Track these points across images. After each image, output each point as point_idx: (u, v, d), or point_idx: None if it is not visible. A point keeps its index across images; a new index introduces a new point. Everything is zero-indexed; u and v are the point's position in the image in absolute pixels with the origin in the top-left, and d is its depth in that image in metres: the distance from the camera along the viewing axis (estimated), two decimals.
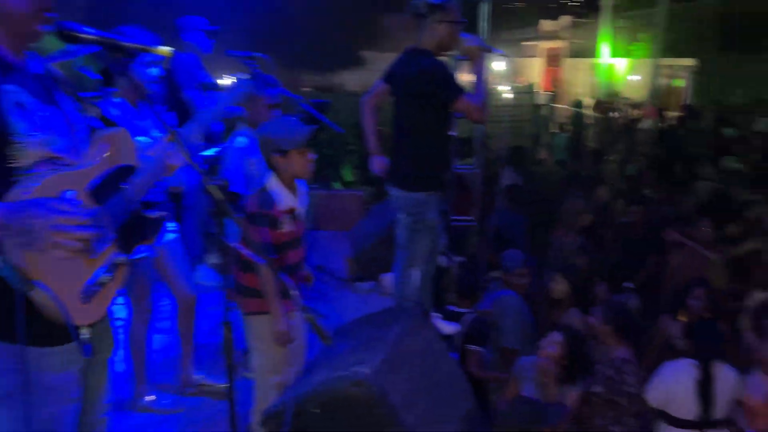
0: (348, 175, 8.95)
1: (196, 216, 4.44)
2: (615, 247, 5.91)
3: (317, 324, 2.01)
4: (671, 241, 5.26)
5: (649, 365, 3.58)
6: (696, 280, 4.36)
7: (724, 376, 3.22)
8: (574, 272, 4.51)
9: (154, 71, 3.02)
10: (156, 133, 2.98)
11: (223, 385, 3.51)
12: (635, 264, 5.39)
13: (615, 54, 16.11)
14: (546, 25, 20.70)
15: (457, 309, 4.19)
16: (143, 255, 2.94)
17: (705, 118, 11.86)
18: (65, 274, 1.67)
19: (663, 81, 15.92)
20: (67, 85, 1.91)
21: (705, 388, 3.17)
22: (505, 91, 13.03)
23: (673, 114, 13.21)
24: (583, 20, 18.98)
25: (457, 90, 3.29)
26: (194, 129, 2.25)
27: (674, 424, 3.24)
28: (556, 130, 12.20)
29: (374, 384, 2.38)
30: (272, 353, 2.85)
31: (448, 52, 3.67)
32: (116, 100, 3.03)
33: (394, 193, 3.52)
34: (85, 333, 1.74)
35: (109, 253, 1.80)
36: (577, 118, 13.17)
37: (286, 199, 2.81)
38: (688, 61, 16.00)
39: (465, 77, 3.59)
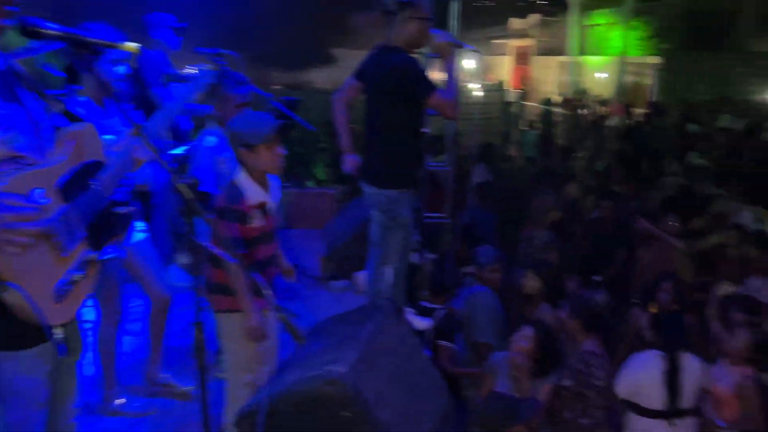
0: (320, 173, 8.91)
1: (166, 215, 4.38)
2: (585, 242, 5.99)
3: (291, 323, 2.00)
4: (641, 230, 5.34)
5: (621, 358, 3.63)
6: (664, 273, 4.45)
7: (690, 366, 3.30)
8: (545, 268, 4.56)
9: (120, 69, 2.96)
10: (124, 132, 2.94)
11: (187, 387, 3.47)
12: (605, 258, 5.48)
13: (582, 52, 16.34)
14: (515, 23, 20.88)
15: (430, 305, 4.21)
16: (112, 255, 2.89)
17: (670, 115, 12.10)
18: (37, 274, 1.64)
19: (629, 78, 16.18)
20: (30, 82, 1.86)
21: (672, 379, 3.25)
22: (476, 89, 13.11)
23: (639, 111, 13.45)
24: (552, 18, 19.20)
25: (429, 86, 3.29)
26: (159, 122, 2.22)
27: (643, 414, 3.30)
28: (526, 128, 12.32)
29: (348, 382, 2.37)
30: (244, 351, 2.83)
31: (419, 49, 3.68)
32: (81, 98, 2.97)
33: (368, 190, 3.51)
34: (59, 333, 1.71)
35: (80, 251, 1.77)
36: (547, 116, 13.33)
37: (255, 193, 2.78)
38: (654, 59, 16.30)
39: (436, 75, 3.60)
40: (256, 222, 2.77)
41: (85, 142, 1.88)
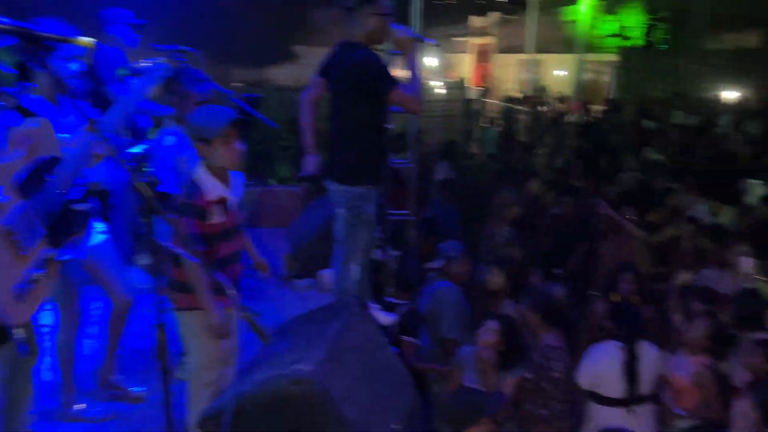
0: (283, 171, 8.84)
1: (125, 215, 4.29)
2: (547, 237, 6.08)
3: (255, 322, 1.99)
4: (603, 217, 5.45)
5: (582, 349, 3.70)
6: (625, 264, 4.56)
7: (648, 355, 3.40)
8: (509, 263, 4.61)
9: (74, 66, 2.88)
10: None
11: (139, 391, 3.40)
12: (567, 253, 5.57)
13: (541, 50, 16.56)
14: (475, 21, 21.05)
15: (394, 300, 4.22)
16: (71, 255, 2.83)
17: (627, 112, 12.37)
18: None
19: (588, 76, 16.48)
20: None
21: (630, 367, 3.33)
22: (437, 87, 13.16)
23: (597, 108, 13.70)
24: (511, 17, 19.40)
25: (391, 81, 3.30)
26: (115, 116, 2.17)
27: (603, 403, 3.38)
28: (487, 125, 12.43)
29: (315, 381, 2.36)
30: (206, 350, 2.79)
31: (381, 45, 3.68)
32: (34, 96, 2.88)
33: (333, 188, 3.50)
34: (20, 333, 1.66)
35: (40, 249, 1.72)
36: (507, 113, 13.47)
37: (214, 188, 2.74)
38: (611, 57, 16.64)
39: (399, 72, 3.60)
40: (216, 218, 2.73)
41: (41, 138, 1.83)
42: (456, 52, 21.21)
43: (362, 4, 3.35)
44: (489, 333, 3.44)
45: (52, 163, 1.83)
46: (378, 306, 4.04)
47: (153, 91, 2.84)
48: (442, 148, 8.74)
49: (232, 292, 2.83)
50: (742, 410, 3.05)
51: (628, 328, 3.46)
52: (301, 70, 14.02)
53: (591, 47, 15.18)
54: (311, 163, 3.57)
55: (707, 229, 5.35)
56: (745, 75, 14.05)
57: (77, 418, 3.24)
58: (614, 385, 3.36)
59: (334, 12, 3.65)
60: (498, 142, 11.18)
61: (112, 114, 2.17)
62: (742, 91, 13.96)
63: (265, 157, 8.46)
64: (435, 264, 4.41)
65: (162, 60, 2.69)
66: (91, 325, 3.74)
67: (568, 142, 10.37)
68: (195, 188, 2.70)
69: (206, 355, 2.81)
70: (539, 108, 13.69)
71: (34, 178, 1.74)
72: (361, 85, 3.31)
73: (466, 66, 20.98)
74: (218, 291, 2.74)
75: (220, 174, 2.78)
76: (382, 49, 4.39)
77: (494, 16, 20.51)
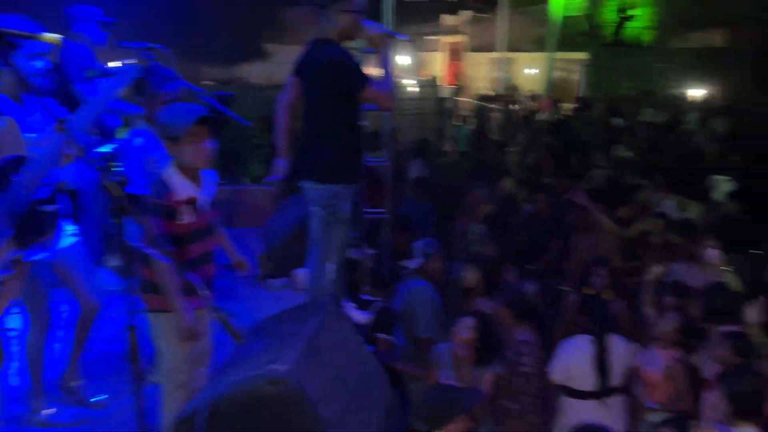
0: (257, 169, 8.76)
1: (95, 216, 4.21)
2: (521, 234, 6.13)
3: (229, 323, 1.97)
4: (580, 207, 5.50)
5: (556, 344, 3.74)
6: (598, 258, 4.62)
7: (617, 347, 3.45)
8: (483, 260, 4.64)
9: (39, 63, 2.80)
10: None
11: (97, 400, 3.34)
12: (541, 250, 5.63)
13: (513, 48, 16.69)
14: (447, 19, 21.11)
15: (369, 297, 4.22)
16: (40, 257, 2.76)
17: (597, 110, 12.54)
18: None
19: (558, 74, 16.66)
20: None
21: (601, 360, 3.38)
22: (410, 85, 13.18)
23: (568, 106, 13.86)
24: (482, 15, 19.52)
25: (364, 78, 3.29)
26: (84, 117, 2.12)
27: (576, 396, 3.43)
28: (459, 123, 12.48)
29: (291, 381, 2.34)
30: (178, 352, 2.75)
31: (353, 42, 3.67)
32: None
33: (309, 186, 3.48)
34: None
35: (6, 250, 1.68)
36: (480, 111, 13.54)
37: (184, 188, 2.69)
38: (581, 55, 16.85)
39: (372, 70, 3.60)
40: (186, 218, 2.68)
41: (6, 138, 1.78)
42: (428, 51, 21.26)
43: (333, 2, 3.35)
44: (465, 330, 3.46)
45: (17, 162, 1.78)
46: (353, 305, 4.03)
47: (123, 92, 2.79)
48: (416, 146, 8.76)
49: (204, 292, 2.79)
50: (712, 402, 3.11)
51: (598, 322, 3.51)
52: (273, 68, 13.93)
53: (561, 46, 15.36)
54: (281, 168, 3.56)
55: (676, 224, 5.45)
56: (710, 73, 14.36)
57: (46, 423, 3.17)
58: (586, 378, 3.41)
59: (307, 9, 3.64)
60: (471, 140, 11.24)
61: (81, 114, 2.12)
62: (708, 89, 14.26)
63: (238, 156, 8.38)
64: (412, 263, 4.40)
65: (132, 61, 2.64)
66: (61, 329, 3.66)
67: (539, 140, 10.47)
68: (164, 188, 2.65)
69: (178, 358, 2.77)
70: (511, 106, 13.79)
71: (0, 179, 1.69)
72: (334, 83, 3.30)
73: (438, 64, 21.03)
74: (190, 292, 2.70)
75: (191, 173, 2.73)
76: (355, 48, 4.38)
77: (466, 14, 20.61)
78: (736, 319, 3.74)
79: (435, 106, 12.24)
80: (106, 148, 3.96)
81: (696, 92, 14.21)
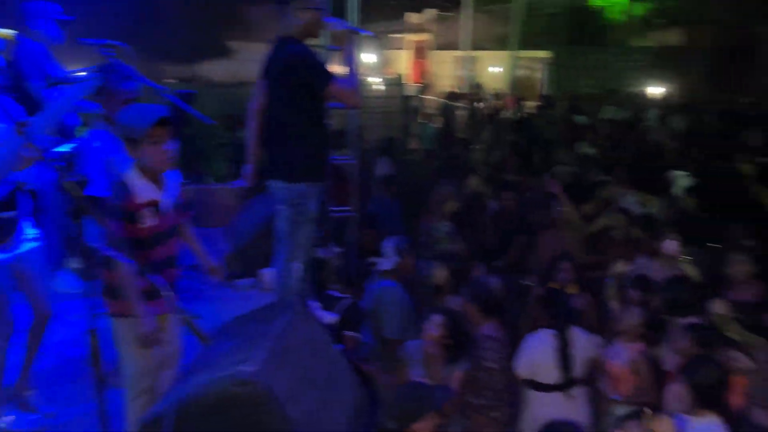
0: (221, 168, 8.65)
1: (54, 217, 4.10)
2: (488, 231, 6.18)
3: (194, 325, 1.93)
4: (552, 195, 5.57)
5: (522, 339, 3.78)
6: (563, 254, 4.68)
7: (579, 340, 3.51)
8: (451, 258, 4.66)
9: None
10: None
11: (48, 413, 3.25)
12: (508, 246, 5.68)
13: (477, 47, 16.81)
14: (412, 17, 21.16)
15: (337, 294, 4.21)
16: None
17: (559, 107, 12.72)
18: None
19: (521, 72, 16.85)
20: None
21: (564, 353, 3.44)
22: (376, 83, 13.16)
23: (531, 104, 14.03)
24: (447, 13, 19.62)
25: (328, 75, 3.27)
26: (43, 122, 2.06)
27: (541, 389, 3.49)
28: (425, 121, 12.53)
29: (258, 382, 2.32)
30: (141, 357, 2.69)
31: (316, 39, 3.65)
32: None
33: (274, 185, 3.45)
34: None
35: None
36: (445, 109, 13.60)
37: (145, 191, 2.64)
38: (544, 53, 17.07)
39: (337, 68, 3.58)
40: (147, 222, 2.62)
41: None
42: (393, 49, 21.29)
43: None
44: (434, 327, 3.48)
45: None
46: (319, 304, 4.01)
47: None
48: (382, 144, 8.75)
49: (168, 294, 2.74)
50: (675, 394, 3.17)
51: (561, 316, 3.57)
52: (237, 65, 13.76)
53: (524, 44, 15.55)
54: (247, 174, 3.53)
55: (638, 219, 5.55)
56: (669, 72, 14.70)
57: (7, 430, 3.08)
58: (550, 372, 3.46)
59: (269, 6, 3.60)
60: (436, 138, 11.28)
61: (41, 119, 2.05)
62: (667, 87, 14.60)
63: (201, 155, 8.26)
64: (385, 263, 4.37)
65: (94, 67, 2.57)
66: (22, 333, 3.56)
67: (504, 138, 10.57)
68: (125, 191, 2.59)
69: (140, 363, 2.72)
70: (476, 104, 13.89)
71: None
72: (298, 81, 3.27)
73: (403, 62, 21.07)
74: (152, 296, 2.65)
75: (152, 175, 2.67)
76: (320, 46, 4.35)
77: (430, 12, 20.68)
78: (697, 311, 3.82)
79: (401, 104, 12.25)
80: (64, 148, 3.86)
81: (655, 90, 14.53)
